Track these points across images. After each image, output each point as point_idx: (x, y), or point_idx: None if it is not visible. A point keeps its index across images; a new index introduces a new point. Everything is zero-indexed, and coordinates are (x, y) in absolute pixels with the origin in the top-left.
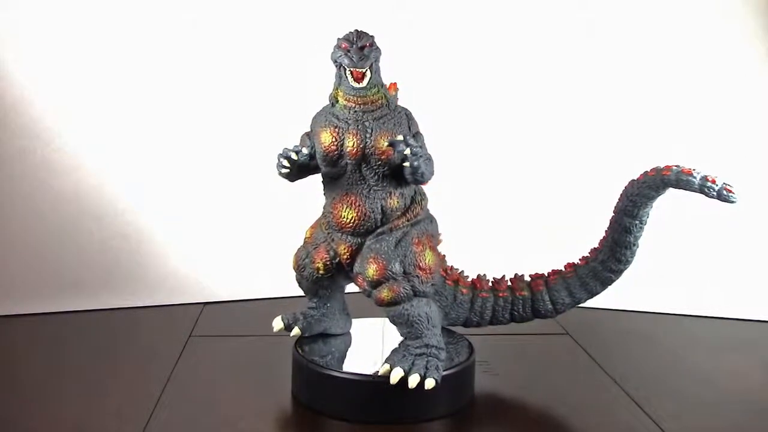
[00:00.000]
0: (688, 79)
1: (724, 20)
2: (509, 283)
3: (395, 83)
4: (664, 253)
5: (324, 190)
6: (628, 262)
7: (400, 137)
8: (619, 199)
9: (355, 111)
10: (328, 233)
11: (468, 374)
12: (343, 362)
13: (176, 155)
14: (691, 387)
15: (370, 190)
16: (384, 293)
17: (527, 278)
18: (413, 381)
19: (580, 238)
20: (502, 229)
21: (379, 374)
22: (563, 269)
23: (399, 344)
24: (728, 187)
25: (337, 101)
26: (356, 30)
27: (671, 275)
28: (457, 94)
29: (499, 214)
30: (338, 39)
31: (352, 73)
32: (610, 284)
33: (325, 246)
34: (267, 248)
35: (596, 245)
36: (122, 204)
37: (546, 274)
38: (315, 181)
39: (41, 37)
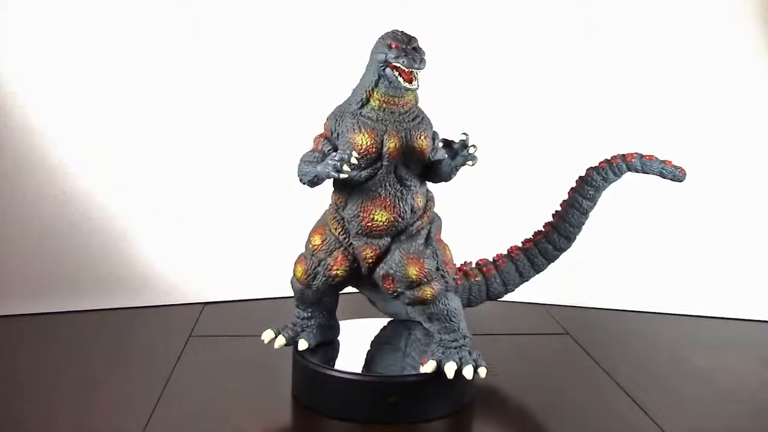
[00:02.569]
0: (689, 77)
1: (724, 16)
2: (461, 272)
3: None
4: (664, 253)
5: (341, 195)
6: (574, 240)
7: (463, 136)
8: (576, 184)
9: (392, 112)
10: (344, 238)
11: None
12: (343, 362)
13: (176, 155)
14: (691, 387)
15: (403, 190)
16: (426, 292)
17: (474, 264)
18: (469, 372)
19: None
20: (498, 226)
21: (427, 372)
22: (510, 252)
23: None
24: (681, 169)
25: (368, 102)
26: (399, 30)
27: (671, 275)
28: (452, 94)
29: (495, 211)
30: (384, 39)
31: (402, 73)
32: (554, 261)
33: (342, 251)
34: (267, 248)
35: (540, 228)
36: (122, 204)
37: (493, 259)
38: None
39: (41, 38)
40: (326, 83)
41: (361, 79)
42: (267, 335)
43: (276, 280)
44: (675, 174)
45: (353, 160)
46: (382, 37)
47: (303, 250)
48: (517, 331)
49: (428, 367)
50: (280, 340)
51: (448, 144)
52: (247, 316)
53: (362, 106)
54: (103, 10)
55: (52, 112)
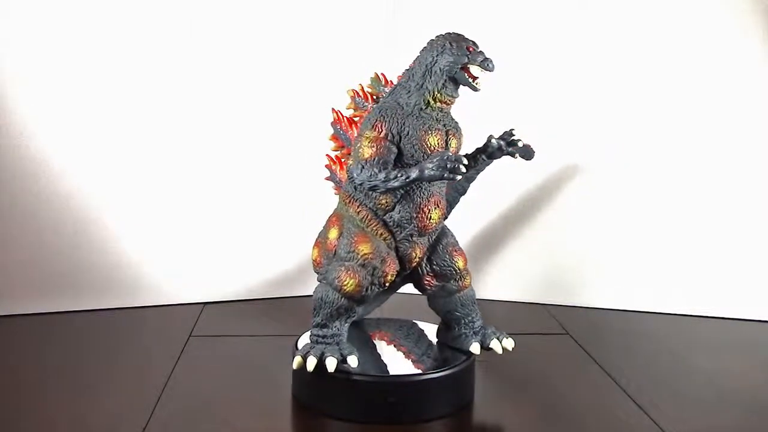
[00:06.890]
0: (692, 79)
1: (724, 13)
2: None
3: (383, 74)
4: (665, 253)
5: (387, 198)
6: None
7: (514, 133)
8: None
9: (447, 113)
10: (391, 242)
11: (468, 374)
12: (341, 363)
13: (177, 157)
14: (692, 387)
15: (443, 187)
16: (467, 280)
17: None
18: (509, 344)
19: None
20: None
21: (475, 353)
22: None
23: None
24: (533, 149)
25: (429, 104)
26: (458, 33)
27: (672, 275)
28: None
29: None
30: (457, 41)
31: (471, 75)
32: None
33: (391, 256)
34: (267, 249)
35: None
36: (122, 205)
37: None
38: (314, 182)
39: (38, 42)
40: (326, 85)
41: (412, 81)
42: (310, 363)
43: (275, 281)
44: (531, 153)
45: (465, 161)
46: (449, 41)
47: (304, 251)
48: (517, 331)
49: (475, 348)
50: (332, 362)
51: (506, 139)
52: (247, 316)
53: (422, 108)
54: (95, 10)
55: (51, 114)
